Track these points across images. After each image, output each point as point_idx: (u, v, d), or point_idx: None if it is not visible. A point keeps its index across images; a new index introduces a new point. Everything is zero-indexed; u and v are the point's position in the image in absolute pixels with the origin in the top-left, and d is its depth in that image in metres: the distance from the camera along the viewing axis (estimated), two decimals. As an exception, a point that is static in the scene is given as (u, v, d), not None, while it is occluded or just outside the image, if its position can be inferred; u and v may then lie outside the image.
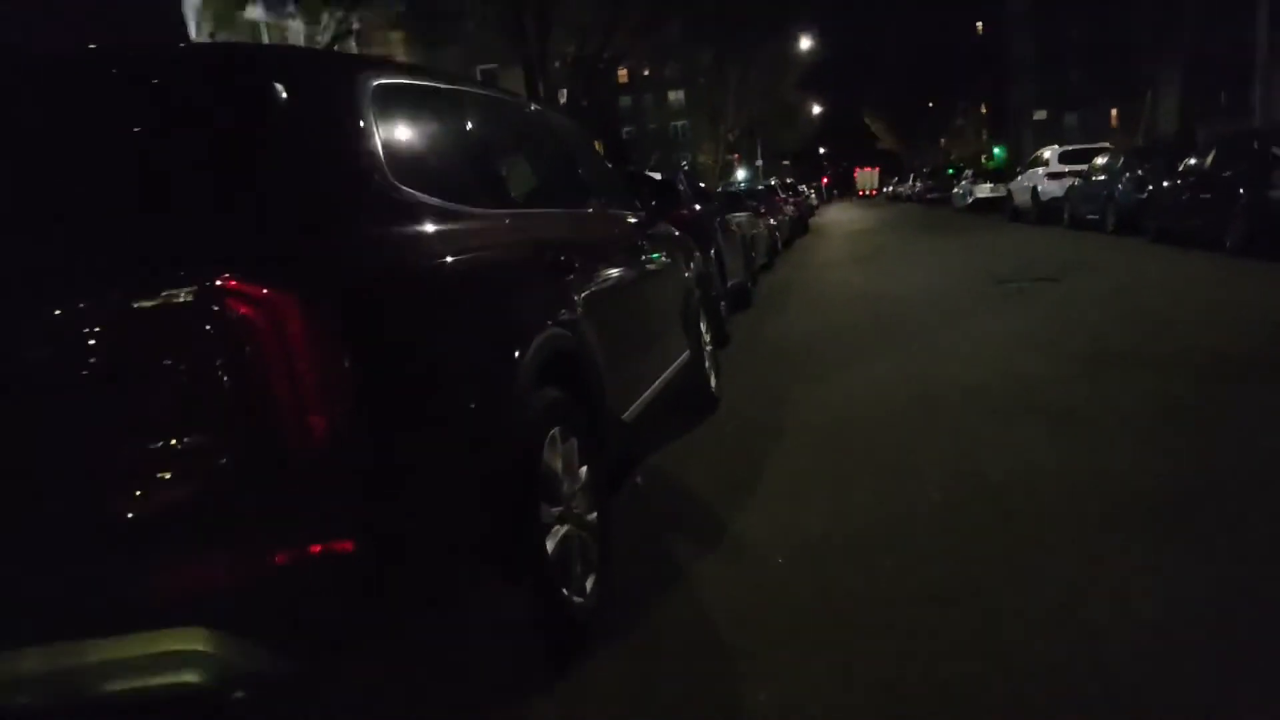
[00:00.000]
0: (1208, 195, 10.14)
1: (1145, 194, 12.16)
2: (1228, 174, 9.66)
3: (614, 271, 3.28)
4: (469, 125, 2.70)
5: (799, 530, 3.00)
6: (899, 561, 2.66)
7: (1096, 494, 3.04)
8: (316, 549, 1.69)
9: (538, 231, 2.72)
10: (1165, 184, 11.55)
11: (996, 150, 52.20)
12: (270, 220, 1.76)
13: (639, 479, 3.82)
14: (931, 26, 59.12)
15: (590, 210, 3.37)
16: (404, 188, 2.07)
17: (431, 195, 2.18)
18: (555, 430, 2.42)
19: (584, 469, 2.60)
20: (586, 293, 2.86)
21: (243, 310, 1.60)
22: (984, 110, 57.25)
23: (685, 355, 4.34)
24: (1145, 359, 4.99)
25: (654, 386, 3.53)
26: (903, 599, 2.42)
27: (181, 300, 1.60)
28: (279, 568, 1.67)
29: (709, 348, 5.00)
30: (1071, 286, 8.27)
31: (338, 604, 1.72)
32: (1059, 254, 11.54)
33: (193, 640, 1.63)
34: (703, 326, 4.87)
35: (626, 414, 3.10)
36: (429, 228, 2.12)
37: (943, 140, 63.88)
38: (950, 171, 42.82)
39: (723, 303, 7.16)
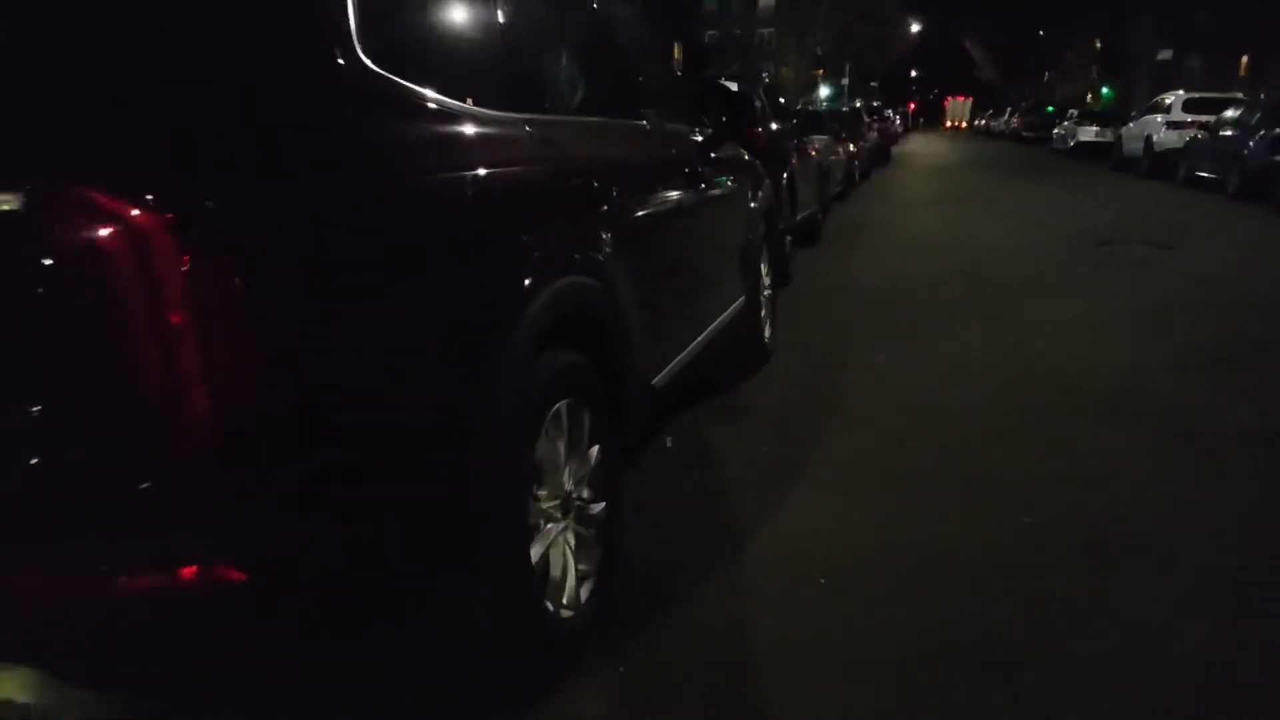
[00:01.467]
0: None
1: (1280, 157, 10.84)
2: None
3: (664, 202, 2.69)
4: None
5: (847, 541, 2.48)
6: (965, 608, 2.13)
7: (1235, 558, 2.44)
8: (189, 573, 1.22)
9: (566, 146, 2.14)
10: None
11: (1105, 91, 48.66)
12: (160, 105, 1.22)
13: (668, 441, 3.32)
14: (1052, -53, 54.46)
15: (643, 124, 2.75)
16: (377, 69, 1.51)
17: (419, 83, 1.62)
18: (562, 404, 1.91)
19: (595, 449, 2.10)
20: (624, 228, 2.30)
21: (94, 234, 1.09)
22: (1097, 46, 53.15)
23: (740, 301, 3.77)
24: (1271, 356, 4.25)
25: (698, 340, 2.98)
26: (984, 649, 1.89)
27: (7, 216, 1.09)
28: (137, 594, 1.21)
29: (768, 291, 4.40)
30: (1184, 257, 7.34)
31: (218, 643, 1.27)
32: (1171, 215, 10.44)
33: (13, 686, 1.20)
34: (763, 267, 4.27)
35: (659, 378, 2.58)
36: (407, 128, 1.57)
37: (1047, 75, 59.75)
38: (1050, 110, 40.05)
39: (789, 237, 6.49)
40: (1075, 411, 3.51)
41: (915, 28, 53.39)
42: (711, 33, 57.72)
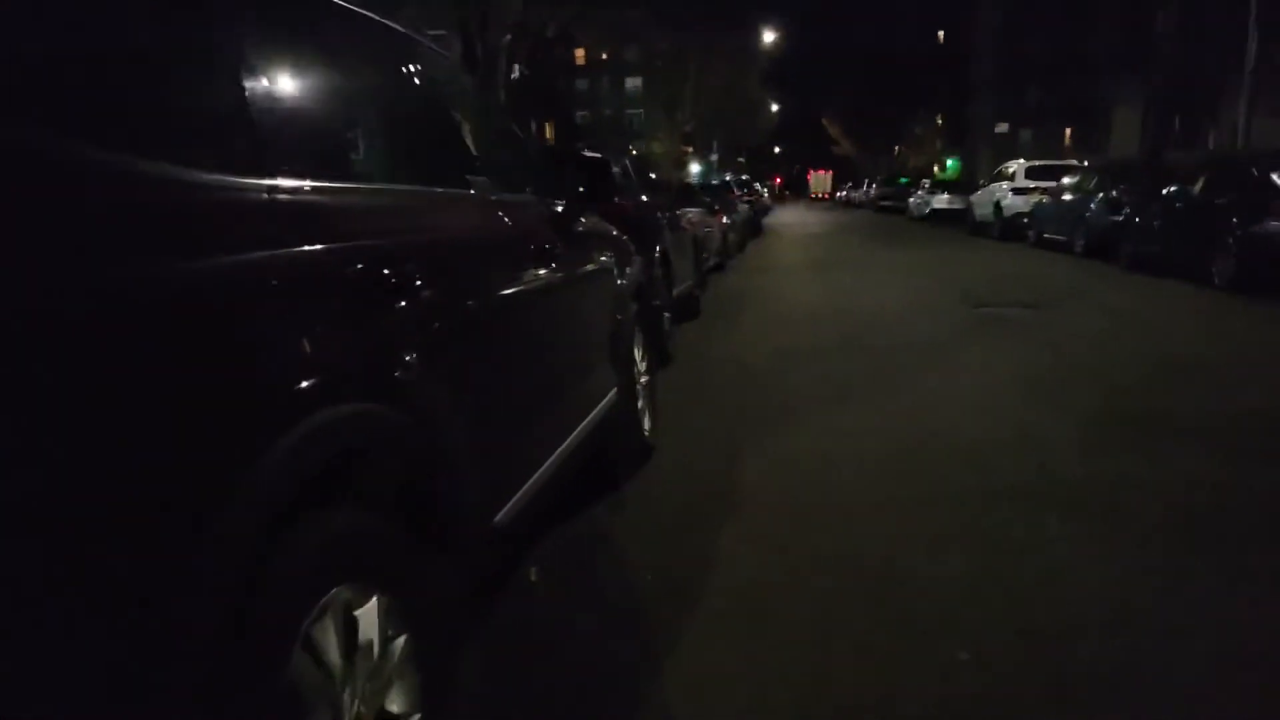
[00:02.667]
0: (1193, 223, 9.41)
1: (1121, 217, 11.45)
2: (1220, 201, 8.92)
3: (502, 287, 2.14)
4: (241, 33, 1.53)
5: (760, 710, 1.92)
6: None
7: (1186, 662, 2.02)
8: None
9: (339, 220, 1.56)
10: (1143, 208, 10.84)
11: (950, 162, 52.32)
12: None
13: (533, 574, 2.71)
14: (894, 34, 59.01)
15: (468, 193, 2.20)
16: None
17: (119, 147, 1.04)
18: (337, 593, 1.30)
19: (402, 640, 1.48)
20: (442, 325, 1.73)
21: None
22: (939, 121, 57.32)
23: (612, 393, 3.24)
24: (1172, 421, 4.04)
25: (559, 452, 2.41)
26: None
27: None
28: None
29: (645, 378, 3.90)
30: (1055, 317, 7.38)
31: None
32: (1030, 276, 10.75)
33: None
34: (638, 352, 3.77)
35: (503, 514, 1.98)
36: (89, 201, 0.99)
37: (897, 149, 63.91)
38: (903, 181, 42.55)
39: (667, 314, 6.08)
40: (993, 498, 3.11)
41: (775, 107, 56.13)
42: (582, 114, 58.94)
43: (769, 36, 36.84)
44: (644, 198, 6.43)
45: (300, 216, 1.43)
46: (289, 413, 1.20)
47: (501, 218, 2.33)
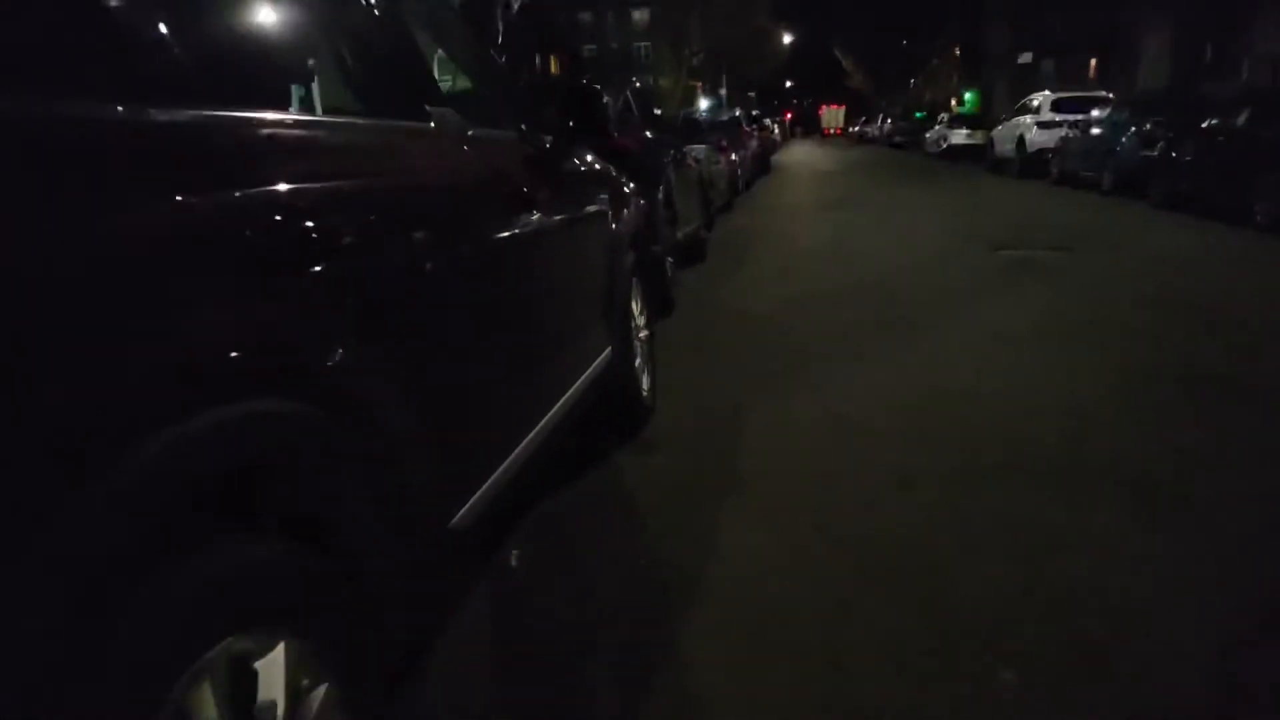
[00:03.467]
0: (1234, 159, 8.87)
1: (1154, 152, 10.87)
2: (1265, 135, 8.37)
3: (466, 240, 1.79)
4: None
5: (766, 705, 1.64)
6: None
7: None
8: None
9: (258, 162, 1.22)
10: (1179, 143, 10.27)
11: (968, 95, 50.78)
12: None
13: (514, 557, 2.42)
14: (911, -40, 56.67)
15: (428, 125, 1.82)
16: None
17: None
18: (225, 646, 0.99)
19: (321, 690, 1.18)
20: (383, 292, 1.39)
21: None
22: (957, 53, 55.47)
23: (606, 354, 2.91)
24: (1229, 381, 3.69)
25: (532, 436, 2.09)
26: None
27: None
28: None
29: (643, 333, 3.56)
30: (1083, 261, 6.96)
31: None
32: (1056, 216, 10.26)
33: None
34: (635, 305, 3.42)
35: (461, 515, 1.66)
36: None
37: (913, 81, 62.09)
38: (918, 115, 41.30)
39: (670, 259, 5.71)
40: (1031, 478, 2.78)
41: (787, 38, 54.41)
42: (590, 47, 57.32)
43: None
44: (648, 134, 6.00)
45: (180, 153, 1.08)
46: (146, 416, 0.88)
47: (470, 157, 1.96)
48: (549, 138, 2.58)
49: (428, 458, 1.50)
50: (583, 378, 2.56)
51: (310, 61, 1.61)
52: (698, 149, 9.26)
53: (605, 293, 2.94)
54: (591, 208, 2.92)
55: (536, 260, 2.22)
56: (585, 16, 60.25)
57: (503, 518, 2.00)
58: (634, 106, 5.72)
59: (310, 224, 1.24)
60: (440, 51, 2.63)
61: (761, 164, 20.70)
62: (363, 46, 1.75)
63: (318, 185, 1.32)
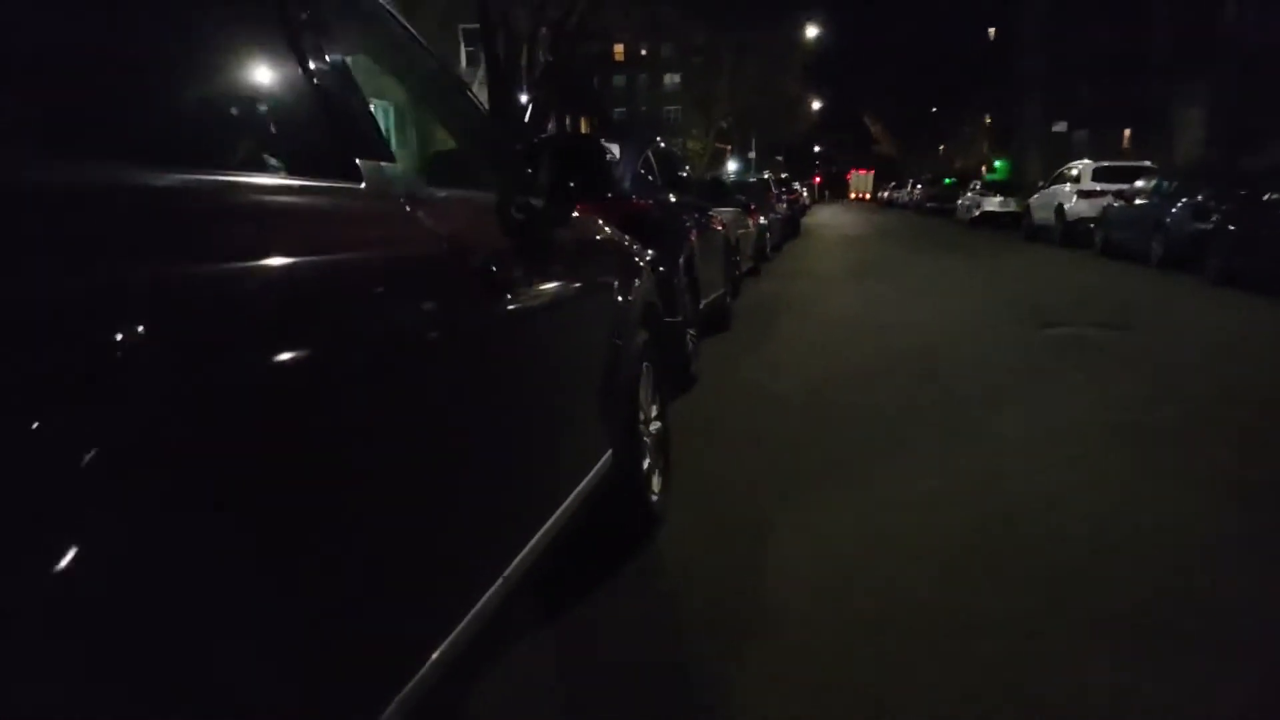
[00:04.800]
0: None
1: (1208, 225, 10.31)
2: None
3: (397, 339, 1.30)
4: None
5: None
6: None
7: None
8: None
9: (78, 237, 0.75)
10: (1238, 216, 9.71)
11: (998, 163, 50.58)
12: None
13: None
14: (941, 30, 57.28)
15: (357, 189, 1.36)
16: None
17: None
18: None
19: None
20: (259, 418, 0.91)
21: None
22: (988, 121, 55.51)
23: (604, 459, 2.41)
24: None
25: (489, 597, 1.55)
26: None
27: None
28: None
29: (655, 424, 3.06)
30: (1144, 341, 6.39)
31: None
32: (1104, 289, 9.70)
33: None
34: (645, 393, 2.92)
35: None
36: None
37: (941, 148, 62.20)
38: (948, 181, 41.11)
39: (691, 331, 5.23)
40: (1134, 635, 2.21)
41: (816, 104, 54.88)
42: (620, 110, 58.15)
43: (810, 31, 35.71)
44: (670, 196, 5.58)
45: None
46: None
47: (416, 224, 1.49)
48: (540, 201, 2.12)
49: (321, 669, 0.99)
50: (568, 501, 2.05)
51: (178, 98, 1.14)
52: (724, 212, 8.87)
53: (606, 385, 2.45)
54: (591, 282, 2.45)
55: (506, 355, 1.72)
56: (619, 79, 61.47)
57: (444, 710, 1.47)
58: (654, 167, 5.30)
59: (137, 330, 0.77)
60: (415, 100, 2.21)
61: (790, 227, 20.38)
62: (267, 82, 1.28)
63: (159, 266, 0.86)
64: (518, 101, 13.37)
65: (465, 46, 26.55)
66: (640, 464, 2.74)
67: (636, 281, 2.91)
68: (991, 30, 55.96)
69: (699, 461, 3.65)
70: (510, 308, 1.71)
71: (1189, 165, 13.73)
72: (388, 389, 1.22)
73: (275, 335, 1.00)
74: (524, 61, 13.15)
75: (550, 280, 2.05)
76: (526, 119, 13.18)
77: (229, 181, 1.08)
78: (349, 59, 1.51)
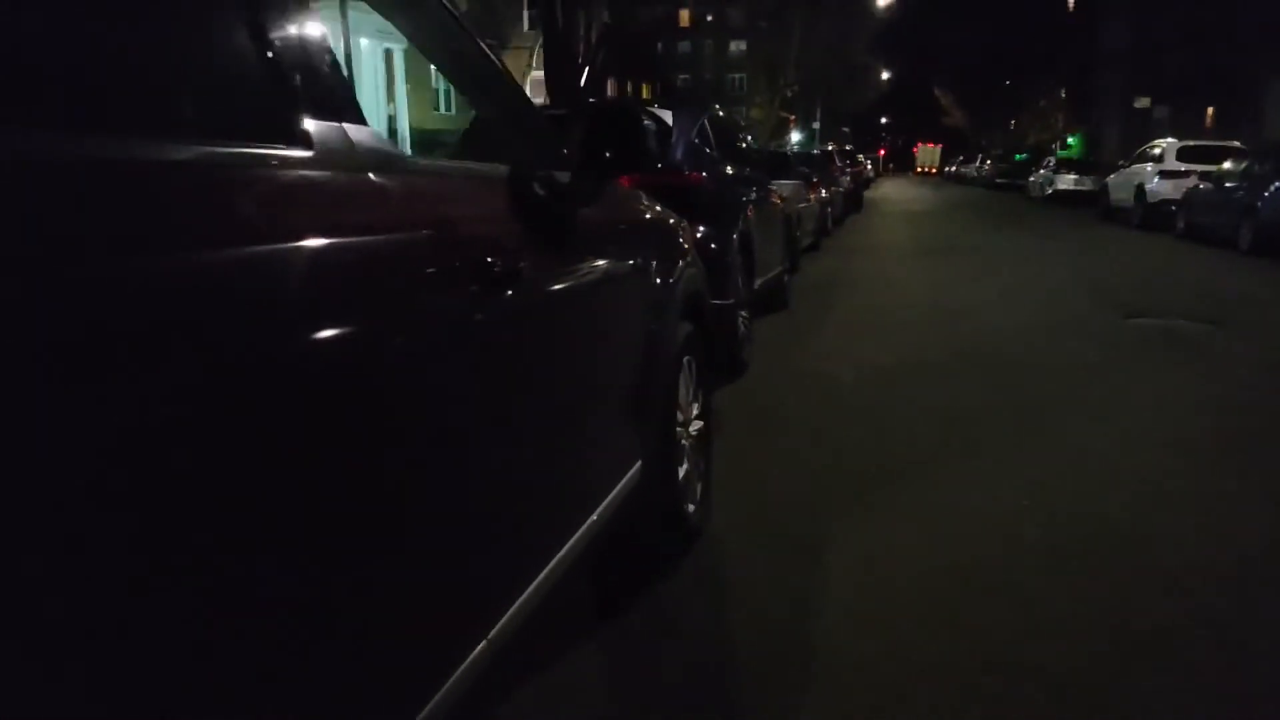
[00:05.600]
0: None
1: (1307, 210, 9.52)
2: None
3: (361, 347, 1.02)
4: None
5: None
6: None
7: None
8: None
9: None
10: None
11: (1071, 139, 48.44)
12: None
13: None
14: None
15: (304, 157, 1.02)
16: None
17: None
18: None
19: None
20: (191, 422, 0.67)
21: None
22: (1063, 95, 53.08)
23: (633, 472, 2.12)
24: None
25: (482, 649, 1.29)
26: None
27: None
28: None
29: (696, 425, 2.75)
30: (1241, 337, 5.83)
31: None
32: (1191, 277, 9.02)
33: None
34: (685, 390, 2.61)
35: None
36: None
37: (1013, 122, 59.82)
38: (1019, 157, 39.49)
39: (744, 314, 4.88)
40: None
41: (885, 75, 53.18)
42: (684, 76, 57.14)
43: (881, -2, 34.43)
44: (727, 168, 5.21)
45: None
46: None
47: (384, 204, 1.19)
48: (567, 174, 1.81)
49: None
50: (587, 524, 1.76)
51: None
52: (785, 185, 8.44)
53: (638, 388, 2.15)
54: (625, 268, 2.14)
55: (502, 362, 1.43)
56: (684, 46, 60.40)
57: None
58: (710, 137, 4.93)
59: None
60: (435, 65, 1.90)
61: (854, 201, 19.69)
62: (171, 19, 0.98)
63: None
64: (575, 65, 13.00)
65: (528, 9, 26.18)
66: (675, 473, 2.44)
67: (680, 265, 2.59)
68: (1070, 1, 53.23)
69: (744, 461, 3.34)
70: (514, 303, 1.41)
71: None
72: (325, 401, 0.94)
73: (161, 354, 0.73)
74: (581, 24, 12.72)
75: (572, 267, 1.75)
76: (582, 84, 12.83)
77: (105, 148, 0.79)
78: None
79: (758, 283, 5.57)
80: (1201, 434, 3.70)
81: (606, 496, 1.90)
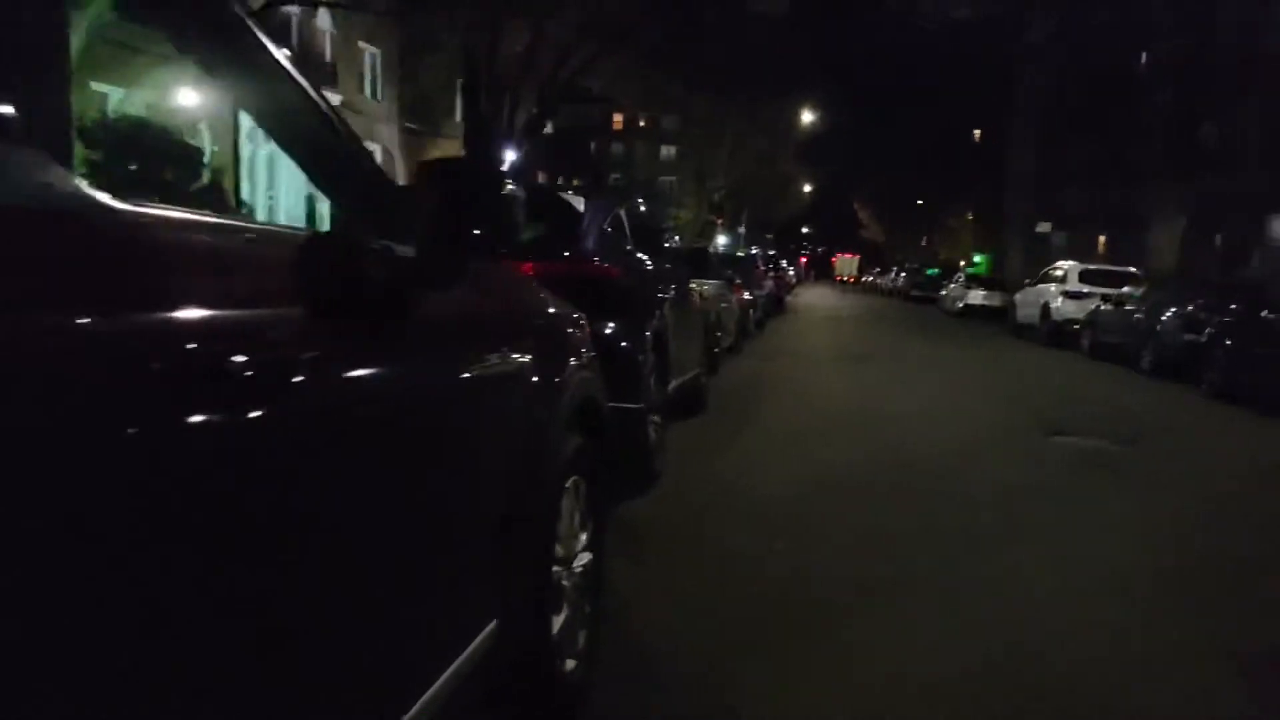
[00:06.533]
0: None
1: (1201, 338, 9.82)
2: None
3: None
4: None
5: None
6: None
7: None
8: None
9: None
10: (1233, 331, 9.24)
11: (978, 258, 51.09)
12: None
13: None
14: (934, 126, 58.39)
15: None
16: None
17: None
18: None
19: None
20: None
21: None
22: (970, 217, 56.27)
23: (485, 635, 1.62)
24: None
25: None
26: None
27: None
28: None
29: (583, 558, 2.27)
30: (1159, 461, 5.71)
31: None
32: (1101, 397, 9.08)
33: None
34: (566, 522, 2.13)
35: None
36: None
37: (925, 239, 62.99)
38: (931, 271, 41.25)
39: (654, 418, 4.47)
40: None
41: (808, 187, 55.50)
42: (616, 176, 58.51)
43: (808, 114, 36.06)
44: (643, 260, 4.89)
45: None
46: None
47: (35, 263, 0.73)
48: (412, 250, 1.37)
49: None
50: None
51: None
52: (707, 284, 8.24)
53: (495, 525, 1.68)
54: (487, 370, 1.69)
55: (238, 507, 0.94)
56: (618, 149, 62.10)
57: None
58: (626, 228, 4.62)
59: None
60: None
61: (776, 305, 19.90)
62: None
63: None
64: (496, 155, 12.84)
65: (461, 97, 26.38)
66: (548, 627, 1.94)
67: (570, 366, 2.17)
68: (977, 132, 57.05)
69: (650, 594, 2.86)
70: (277, 422, 0.95)
71: (1171, 273, 13.42)
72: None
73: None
74: (506, 111, 12.63)
75: (399, 370, 1.30)
76: (505, 170, 12.66)
77: None
78: None
79: (673, 384, 5.20)
80: (1151, 573, 3.40)
81: (448, 666, 1.39)
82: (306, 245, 1.13)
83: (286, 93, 1.27)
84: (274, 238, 1.14)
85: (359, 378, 1.17)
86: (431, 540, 1.42)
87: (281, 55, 1.23)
